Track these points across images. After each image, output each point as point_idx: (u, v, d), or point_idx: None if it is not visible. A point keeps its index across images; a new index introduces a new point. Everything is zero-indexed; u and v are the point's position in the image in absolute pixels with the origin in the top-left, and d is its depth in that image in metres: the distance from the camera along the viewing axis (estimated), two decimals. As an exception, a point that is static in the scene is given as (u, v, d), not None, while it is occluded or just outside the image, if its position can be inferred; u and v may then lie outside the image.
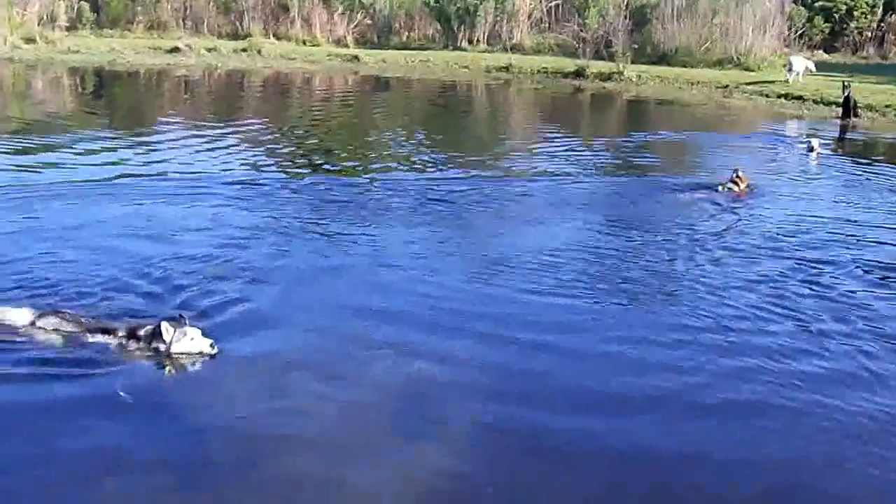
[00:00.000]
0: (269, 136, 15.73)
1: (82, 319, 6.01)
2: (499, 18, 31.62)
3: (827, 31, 33.13)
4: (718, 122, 19.67)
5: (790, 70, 24.15)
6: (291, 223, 9.37)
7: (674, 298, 7.38)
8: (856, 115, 19.51)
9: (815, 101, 21.66)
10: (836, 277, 8.03)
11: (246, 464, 4.72)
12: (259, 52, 28.85)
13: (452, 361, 5.99)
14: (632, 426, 5.25)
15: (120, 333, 5.82)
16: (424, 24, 33.17)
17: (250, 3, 31.75)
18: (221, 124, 16.55)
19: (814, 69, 24.16)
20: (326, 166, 12.95)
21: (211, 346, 5.72)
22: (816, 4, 33.30)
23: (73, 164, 12.19)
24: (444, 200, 10.71)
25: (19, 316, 6.02)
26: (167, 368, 5.63)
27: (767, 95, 22.86)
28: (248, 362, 5.81)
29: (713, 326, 6.71)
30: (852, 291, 7.68)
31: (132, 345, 5.76)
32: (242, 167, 12.52)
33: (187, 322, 5.81)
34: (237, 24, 32.10)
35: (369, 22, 32.88)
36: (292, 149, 14.47)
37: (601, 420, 5.30)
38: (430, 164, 13.22)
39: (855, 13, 33.13)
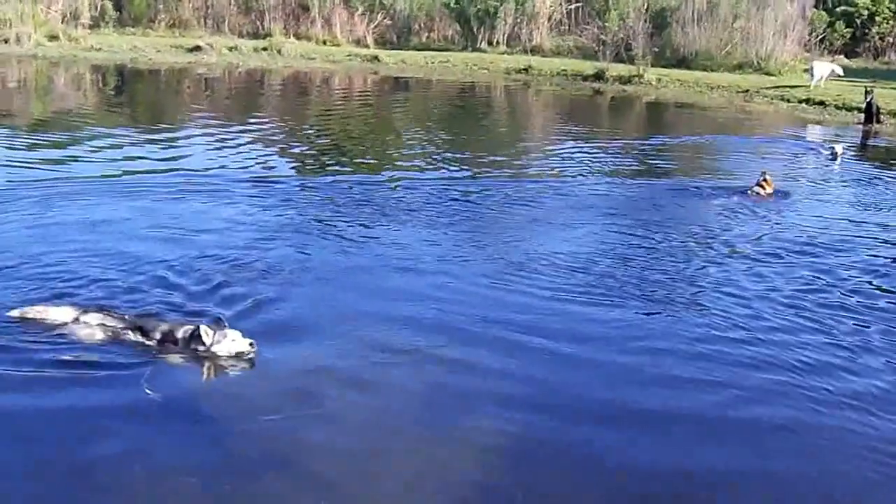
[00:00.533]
0: (289, 136, 15.88)
1: (126, 317, 6.05)
2: (519, 20, 31.58)
3: (848, 36, 32.95)
4: (740, 126, 19.59)
5: (812, 76, 24.02)
6: (312, 223, 9.46)
7: (700, 306, 7.31)
8: (878, 122, 19.41)
9: (836, 107, 21.55)
10: (866, 284, 8.04)
11: (272, 469, 4.74)
12: (279, 51, 28.91)
13: (475, 368, 6.00)
14: (655, 440, 5.21)
15: (159, 334, 5.84)
16: (444, 25, 33.20)
17: (271, 2, 31.83)
18: (242, 123, 16.67)
19: (841, 73, 23.97)
20: (346, 166, 13.04)
21: (251, 345, 5.73)
22: (838, 9, 33.15)
23: (94, 161, 12.36)
24: (464, 201, 10.80)
25: (61, 314, 6.06)
26: (204, 370, 5.66)
27: (789, 100, 22.75)
28: (272, 366, 5.84)
29: (743, 337, 6.64)
30: (884, 299, 7.67)
31: (171, 346, 5.77)
32: (263, 166, 12.65)
33: (226, 324, 5.83)
34: (258, 23, 32.20)
35: (389, 22, 32.90)
36: (311, 148, 14.59)
37: (626, 432, 5.27)
38: (450, 165, 13.28)
39: (877, 18, 32.97)
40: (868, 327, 6.94)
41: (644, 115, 22.31)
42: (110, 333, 5.89)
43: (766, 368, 6.12)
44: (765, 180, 11.56)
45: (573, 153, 15.04)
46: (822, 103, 21.99)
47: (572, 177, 12.88)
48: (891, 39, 32.83)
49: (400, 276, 7.77)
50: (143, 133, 15.11)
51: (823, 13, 32.52)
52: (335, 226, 9.37)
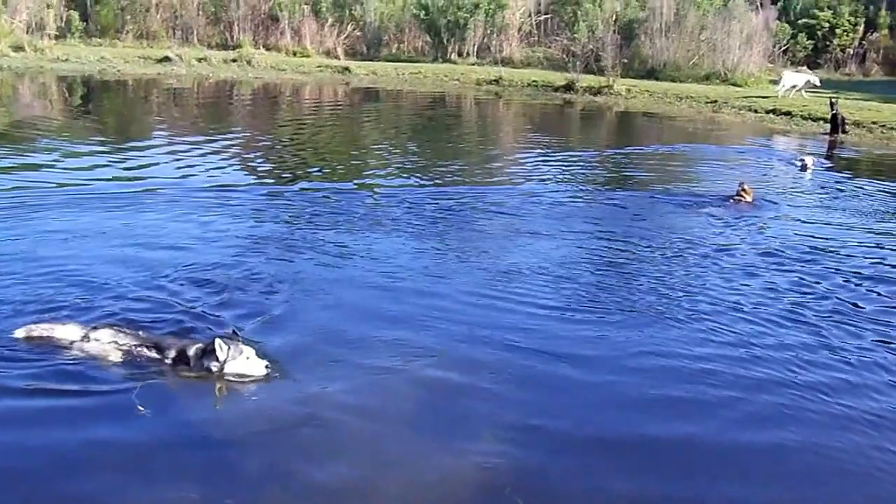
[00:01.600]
0: (262, 147, 15.73)
1: (140, 333, 5.80)
2: (489, 32, 31.83)
3: (810, 47, 33.59)
4: (709, 136, 19.84)
5: (783, 85, 24.58)
6: (288, 235, 9.34)
7: (695, 320, 7.22)
8: (843, 132, 19.77)
9: (802, 117, 21.93)
10: (859, 290, 8.17)
11: (277, 476, 4.74)
12: (249, 62, 28.88)
13: (469, 390, 5.80)
14: (658, 465, 5.09)
15: (172, 351, 5.57)
16: (414, 37, 33.37)
17: (240, 13, 31.79)
18: (212, 135, 16.54)
19: (818, 83, 24.44)
20: (318, 177, 12.98)
21: (266, 367, 5.46)
22: (800, 22, 33.77)
23: (59, 173, 12.05)
24: (443, 211, 10.73)
25: (69, 332, 5.81)
26: (216, 390, 5.45)
27: (756, 111, 23.12)
28: (265, 385, 5.62)
29: (743, 354, 6.57)
30: (877, 302, 7.83)
31: (182, 363, 5.51)
32: (234, 178, 12.50)
33: (241, 339, 5.58)
34: (227, 34, 32.15)
35: (359, 34, 33.01)
36: (284, 160, 14.47)
37: (627, 458, 5.14)
38: (425, 175, 13.25)
39: (837, 31, 33.64)
40: (866, 338, 6.97)
41: (615, 125, 22.53)
42: (123, 351, 5.65)
43: (770, 388, 6.00)
44: (743, 190, 11.77)
45: (548, 163, 15.16)
46: (788, 114, 22.37)
47: (549, 187, 12.89)
48: (851, 51, 33.49)
49: (385, 291, 7.57)
50: (112, 145, 14.92)
51: (786, 25, 33.13)
52: (313, 237, 9.26)
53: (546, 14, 32.93)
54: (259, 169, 13.46)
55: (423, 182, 12.78)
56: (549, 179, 13.57)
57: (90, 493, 4.53)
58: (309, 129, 18.89)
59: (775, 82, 27.27)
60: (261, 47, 31.35)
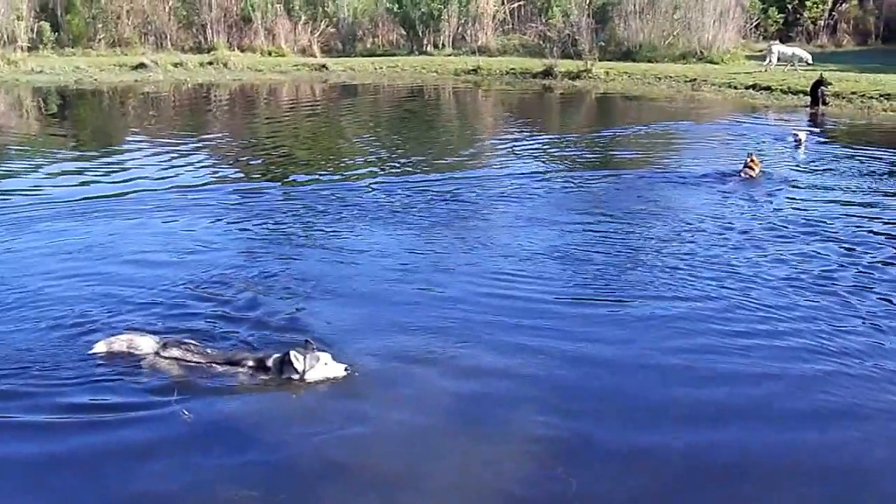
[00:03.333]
0: (245, 148, 15.75)
1: (208, 350, 5.84)
2: (463, 21, 31.84)
3: (781, 21, 33.79)
4: (692, 114, 19.95)
5: (769, 60, 25.06)
6: (286, 233, 9.46)
7: (722, 296, 7.27)
8: (825, 104, 20.00)
9: (782, 91, 22.13)
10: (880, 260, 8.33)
11: (328, 472, 4.83)
12: (226, 65, 28.77)
13: (504, 375, 5.90)
14: (715, 436, 5.17)
15: (248, 364, 5.65)
16: (388, 30, 33.32)
17: (213, 15, 31.60)
18: (194, 138, 16.52)
19: (809, 59, 24.66)
20: (306, 174, 13.03)
21: (346, 369, 5.58)
22: (770, -5, 33.98)
23: (43, 186, 12.04)
24: (440, 201, 10.86)
25: (145, 344, 5.88)
26: (293, 394, 5.52)
27: (735, 87, 23.31)
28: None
29: (776, 327, 6.62)
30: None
31: (261, 375, 5.59)
32: (220, 180, 12.57)
33: (315, 347, 5.64)
34: (200, 37, 31.96)
35: (333, 30, 32.91)
36: (268, 159, 14.51)
37: (658, 433, 5.21)
38: (417, 167, 13.34)
39: (807, 3, 33.83)
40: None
41: (598, 108, 22.59)
42: (192, 367, 5.72)
43: (810, 357, 6.10)
44: (752, 160, 11.90)
45: (537, 149, 15.28)
46: (768, 89, 22.57)
47: (543, 172, 12.95)
48: (822, 23, 33.73)
49: (400, 285, 7.64)
50: (95, 154, 14.87)
51: (757, 0, 33.30)
52: (312, 234, 9.37)
53: (519, 1, 32.95)
54: (244, 169, 13.49)
55: (415, 172, 12.89)
56: (541, 164, 13.67)
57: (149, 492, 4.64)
58: (291, 127, 18.97)
59: (751, 58, 27.54)
60: (235, 49, 31.20)
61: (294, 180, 12.49)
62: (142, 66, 28.05)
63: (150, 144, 15.79)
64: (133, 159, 14.23)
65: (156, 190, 11.62)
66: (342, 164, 13.93)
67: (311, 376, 5.52)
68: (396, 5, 32.17)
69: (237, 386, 5.57)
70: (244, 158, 14.49)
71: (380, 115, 21.60)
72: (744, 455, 4.97)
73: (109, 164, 13.86)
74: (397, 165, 13.51)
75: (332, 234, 9.39)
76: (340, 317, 6.85)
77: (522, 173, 12.83)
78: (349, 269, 8.14)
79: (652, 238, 9.14)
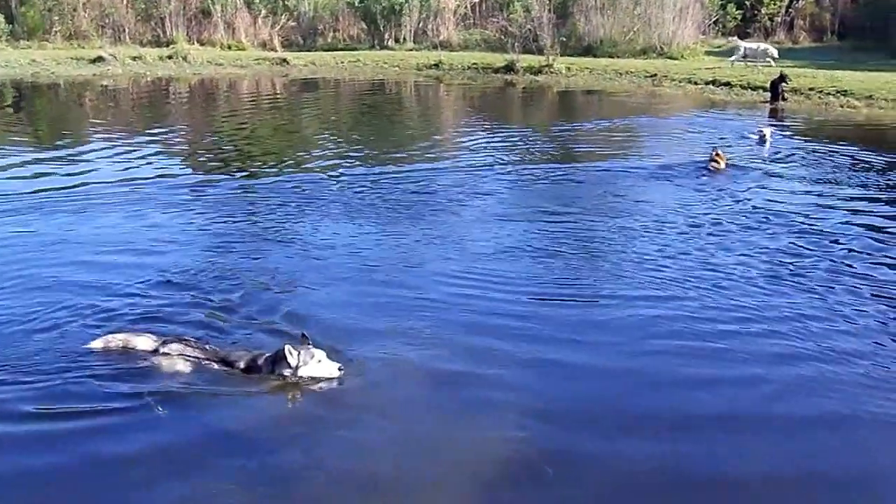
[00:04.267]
0: (205, 142, 15.67)
1: (206, 347, 5.82)
2: (424, 16, 31.80)
3: (740, 17, 34.15)
4: (653, 108, 20.14)
5: (735, 56, 25.43)
6: (249, 226, 9.46)
7: (695, 294, 7.26)
8: (783, 99, 20.26)
9: (742, 87, 22.37)
10: (852, 254, 8.47)
11: (310, 469, 4.84)
12: (185, 58, 28.48)
13: (478, 379, 5.81)
14: (686, 444, 5.10)
15: (242, 362, 5.62)
16: (349, 24, 33.17)
17: (171, 8, 31.24)
18: (153, 133, 16.35)
19: (776, 55, 24.95)
20: (267, 168, 12.98)
21: (339, 369, 5.52)
22: (729, -8, 34.32)
23: (7, 181, 11.85)
24: (404, 196, 10.85)
25: (143, 343, 5.86)
26: (289, 396, 5.49)
27: (696, 83, 23.52)
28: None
29: (752, 327, 6.61)
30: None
31: (254, 371, 5.55)
32: (181, 173, 12.51)
33: (310, 342, 5.59)
34: (159, 30, 31.59)
35: (293, 24, 32.70)
36: (229, 153, 14.39)
37: (633, 437, 5.15)
38: (378, 163, 13.30)
39: (765, 0, 34.25)
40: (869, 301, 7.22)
41: (560, 103, 22.71)
42: (193, 364, 5.69)
43: (788, 359, 6.08)
44: (717, 155, 12.08)
45: (499, 143, 15.32)
46: (728, 84, 22.79)
47: (506, 167, 12.98)
48: (779, 19, 34.14)
49: (367, 282, 7.58)
50: (53, 148, 14.68)
51: (715, -4, 33.64)
52: (275, 228, 9.35)
53: (480, -4, 33.03)
54: (205, 163, 13.37)
55: (377, 167, 12.86)
56: (505, 159, 13.68)
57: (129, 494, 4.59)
58: (252, 121, 18.81)
59: (710, 53, 27.83)
60: (195, 42, 30.90)
61: (255, 174, 12.44)
62: (100, 59, 27.66)
63: (108, 139, 15.58)
64: (91, 153, 14.05)
65: (114, 184, 11.51)
66: (304, 159, 13.86)
67: (303, 372, 5.47)
68: (358, 0, 32.06)
69: (221, 388, 5.50)
70: (205, 153, 14.39)
71: (341, 109, 21.55)
72: (718, 461, 4.94)
73: (66, 158, 13.66)
74: (359, 160, 13.47)
75: (296, 229, 9.36)
76: (307, 316, 6.79)
77: (487, 168, 12.86)
78: (315, 265, 8.11)
79: (621, 234, 9.19)
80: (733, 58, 25.49)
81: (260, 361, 5.56)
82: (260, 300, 7.09)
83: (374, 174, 12.21)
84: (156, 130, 16.57)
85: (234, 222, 9.64)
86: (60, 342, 6.11)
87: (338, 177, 12.06)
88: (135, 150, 14.15)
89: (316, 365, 5.48)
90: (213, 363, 5.67)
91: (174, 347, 5.77)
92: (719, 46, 30.87)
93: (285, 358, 5.45)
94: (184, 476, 4.71)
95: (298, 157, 14.07)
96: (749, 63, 25.08)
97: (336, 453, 4.98)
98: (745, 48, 25.47)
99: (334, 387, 5.54)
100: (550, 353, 6.18)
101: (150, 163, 13.17)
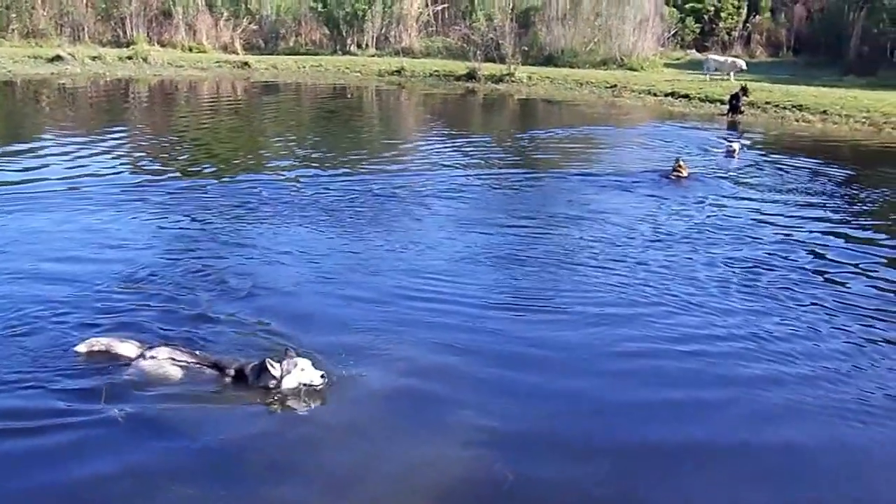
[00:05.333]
0: (163, 143, 15.49)
1: (196, 352, 5.82)
2: (387, 22, 31.83)
3: (698, 31, 34.67)
4: (615, 119, 20.39)
5: (707, 69, 25.93)
6: (204, 230, 9.44)
7: (665, 308, 7.29)
8: (740, 113, 20.59)
9: (700, 99, 22.69)
10: (815, 265, 8.67)
11: (275, 475, 4.87)
12: (145, 59, 28.24)
13: (430, 379, 5.88)
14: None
15: (231, 370, 5.63)
16: (311, 29, 33.08)
17: (132, 9, 30.96)
18: (110, 133, 16.18)
19: (744, 67, 25.42)
20: (222, 171, 12.95)
21: (322, 377, 5.49)
22: (687, 6, 34.78)
23: None
24: (363, 203, 10.86)
25: (127, 349, 5.86)
26: (274, 407, 5.46)
27: (655, 94, 23.81)
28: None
29: (721, 334, 6.69)
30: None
31: (242, 381, 5.57)
32: (136, 174, 12.44)
33: (295, 354, 5.59)
34: (119, 31, 31.29)
35: (255, 27, 32.56)
36: (186, 155, 14.35)
37: (597, 437, 5.23)
38: (338, 167, 13.33)
39: (722, 14, 34.79)
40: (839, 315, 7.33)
41: (521, 111, 22.85)
42: (181, 369, 5.68)
43: (750, 361, 6.19)
44: (679, 166, 12.26)
45: (459, 151, 15.39)
46: (686, 96, 23.11)
47: (466, 174, 13.00)
48: (736, 34, 34.69)
49: (330, 287, 7.61)
50: (5, 147, 14.45)
51: (675, 10, 34.08)
52: (229, 232, 9.34)
53: (443, 4, 33.10)
54: (162, 165, 13.30)
55: (338, 172, 12.87)
56: (466, 166, 13.75)
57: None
58: (212, 123, 18.75)
59: (669, 65, 28.22)
60: (155, 44, 30.65)
61: (213, 177, 12.39)
62: (58, 58, 27.33)
63: (64, 138, 15.46)
64: (45, 152, 13.93)
65: (67, 184, 11.43)
66: (263, 162, 13.87)
67: (286, 383, 5.49)
68: (320, 4, 32.02)
69: (183, 406, 5.43)
70: (162, 154, 14.29)
71: (302, 113, 21.54)
72: (681, 458, 5.05)
73: (20, 157, 13.49)
74: (319, 165, 13.45)
75: (253, 233, 9.34)
76: (270, 318, 6.79)
77: (447, 174, 12.92)
78: (271, 270, 8.08)
79: (583, 244, 9.24)
80: (705, 72, 25.93)
81: (247, 370, 5.60)
82: (216, 306, 7.04)
83: (334, 179, 12.24)
84: (113, 131, 16.40)
85: (190, 225, 9.61)
86: (19, 347, 6.08)
87: (297, 181, 12.06)
88: (90, 150, 14.03)
89: (299, 374, 5.48)
90: (204, 368, 5.68)
91: (162, 352, 5.75)
92: (678, 59, 31.35)
93: (268, 370, 5.48)
94: (131, 473, 4.74)
95: (257, 160, 14.05)
96: (714, 76, 25.49)
97: (291, 451, 5.03)
98: (714, 61, 25.93)
99: (293, 402, 5.51)
100: (510, 370, 6.12)
101: (106, 163, 13.05)
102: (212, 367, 5.68)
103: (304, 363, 5.51)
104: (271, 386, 5.49)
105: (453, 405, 5.59)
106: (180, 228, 9.46)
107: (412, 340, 6.49)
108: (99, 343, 5.95)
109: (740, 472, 4.97)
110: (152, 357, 5.72)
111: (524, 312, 7.17)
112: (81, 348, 5.92)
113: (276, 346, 5.96)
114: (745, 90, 20.58)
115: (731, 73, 25.39)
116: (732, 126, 19.55)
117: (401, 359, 6.14)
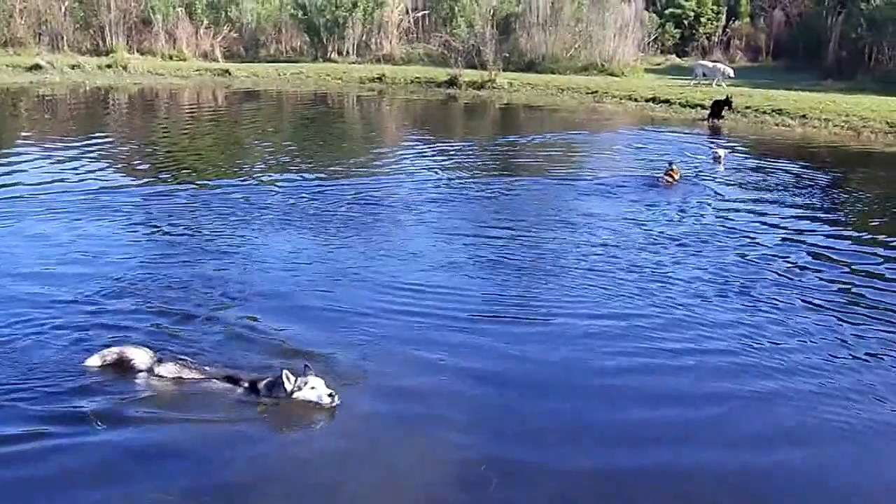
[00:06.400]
0: (144, 152, 15.50)
1: (206, 368, 5.82)
2: (368, 29, 31.83)
3: (678, 36, 34.90)
4: (597, 124, 20.46)
5: (697, 76, 26.03)
6: (184, 237, 9.42)
7: (655, 309, 7.31)
8: (721, 118, 20.66)
9: (681, 105, 22.78)
10: (800, 267, 8.71)
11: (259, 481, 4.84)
12: (125, 68, 28.14)
13: (412, 392, 5.82)
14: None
15: (245, 382, 5.65)
16: (292, 37, 33.05)
17: (111, 17, 30.79)
18: (91, 142, 16.04)
19: (732, 74, 25.55)
20: (206, 178, 12.91)
21: (330, 395, 5.45)
22: (667, 11, 35.01)
23: None
24: (343, 209, 10.81)
25: (140, 359, 5.85)
26: (263, 419, 5.42)
27: (636, 100, 23.87)
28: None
29: (686, 347, 6.61)
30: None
31: (254, 393, 5.58)
32: (118, 182, 12.37)
33: (312, 372, 5.58)
34: (98, 39, 31.12)
35: (236, 35, 32.48)
36: (167, 163, 14.29)
37: (578, 455, 5.14)
38: (320, 174, 13.29)
39: (702, 19, 35.07)
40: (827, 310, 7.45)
41: (502, 118, 22.84)
42: (192, 383, 5.70)
43: (741, 376, 6.13)
44: (672, 170, 12.30)
45: (442, 157, 15.44)
46: (667, 101, 23.19)
47: (449, 181, 13.01)
48: (715, 39, 34.95)
49: (311, 296, 7.55)
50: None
51: (654, 15, 34.29)
52: (214, 239, 9.31)
53: (424, 10, 33.13)
54: (142, 174, 13.21)
55: (319, 179, 12.82)
56: (446, 173, 13.73)
57: None
58: (192, 131, 18.70)
59: (650, 71, 28.35)
60: (135, 52, 30.51)
61: (194, 185, 12.31)
62: (37, 67, 27.20)
63: (43, 147, 15.33)
64: (24, 162, 13.79)
65: (47, 193, 11.32)
66: (243, 170, 13.73)
67: (297, 397, 5.48)
68: (301, 12, 31.98)
69: (170, 413, 5.41)
70: (142, 163, 14.27)
71: (283, 121, 21.48)
72: (667, 480, 4.94)
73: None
74: (300, 172, 13.41)
75: (234, 240, 9.29)
76: (246, 331, 6.74)
77: (429, 180, 12.95)
78: (253, 277, 8.03)
79: (569, 247, 9.24)
80: (694, 79, 26.10)
81: (260, 385, 5.61)
82: (196, 314, 7.00)
83: (315, 186, 12.20)
84: (93, 140, 16.25)
85: (171, 233, 9.56)
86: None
87: (277, 188, 12.02)
88: (70, 160, 13.92)
89: (309, 391, 5.47)
90: (215, 381, 5.69)
91: (170, 368, 5.77)
92: (658, 64, 31.50)
93: (283, 383, 5.48)
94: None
95: (238, 168, 13.96)
96: (703, 82, 25.65)
97: (277, 466, 4.99)
98: (702, 67, 26.10)
99: (285, 416, 5.48)
100: (494, 385, 6.03)
101: (86, 172, 12.93)
102: (223, 380, 5.70)
103: (314, 381, 5.50)
104: (281, 398, 5.49)
105: (436, 420, 5.52)
106: (159, 237, 9.41)
107: (395, 354, 6.41)
108: (111, 354, 5.93)
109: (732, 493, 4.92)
110: (164, 369, 5.76)
111: (510, 324, 7.08)
112: (94, 361, 5.89)
113: (280, 360, 5.92)
114: (728, 103, 20.56)
115: (716, 80, 25.46)
116: (714, 131, 19.62)
117: (383, 373, 6.07)
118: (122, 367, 5.83)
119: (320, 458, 5.12)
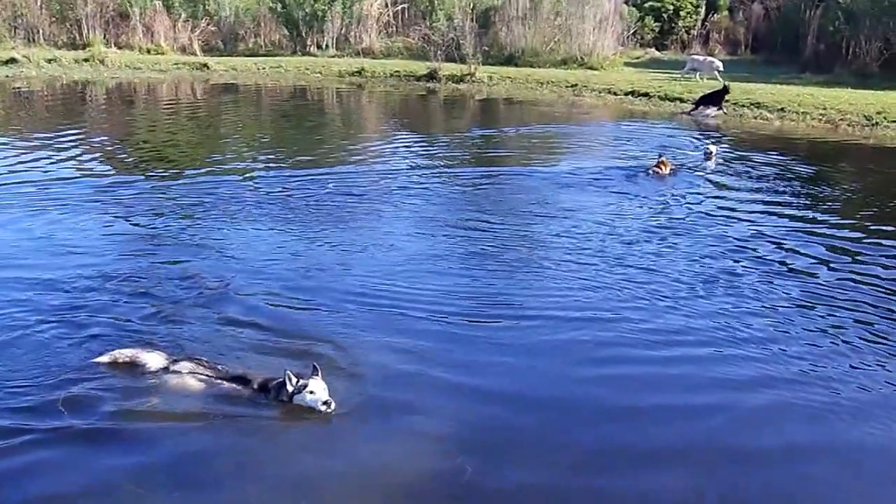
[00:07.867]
0: (123, 146, 15.41)
1: (218, 367, 5.79)
2: (347, 23, 31.70)
3: (657, 30, 34.95)
4: (577, 117, 20.54)
5: (689, 69, 26.09)
6: (162, 230, 9.41)
7: (648, 310, 7.24)
8: (695, 110, 20.74)
9: (660, 98, 22.85)
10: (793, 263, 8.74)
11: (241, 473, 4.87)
12: (102, 62, 27.85)
13: (388, 398, 5.73)
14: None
15: (255, 383, 5.63)
16: (271, 30, 32.85)
17: (88, 10, 30.50)
18: (68, 136, 15.87)
19: (720, 67, 25.54)
20: (177, 172, 12.84)
21: (325, 403, 5.38)
22: (646, 5, 35.05)
23: None
24: (321, 203, 10.81)
25: (153, 361, 5.82)
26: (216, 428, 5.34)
27: (615, 93, 23.92)
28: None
29: (672, 355, 6.50)
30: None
31: (263, 394, 5.57)
32: (94, 177, 12.30)
33: (319, 374, 5.52)
34: (75, 32, 30.81)
35: (214, 29, 32.26)
36: (145, 157, 14.26)
37: (558, 472, 5.01)
38: (299, 167, 13.29)
39: (681, 13, 35.12)
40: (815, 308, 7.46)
41: (482, 111, 22.80)
42: (204, 383, 5.67)
43: (731, 384, 6.04)
44: (663, 162, 12.35)
45: (421, 150, 15.47)
46: (646, 95, 23.26)
47: (430, 173, 13.01)
48: (695, 32, 35.04)
49: (286, 294, 7.44)
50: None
51: (634, 9, 34.33)
52: (192, 233, 9.31)
53: (403, 4, 33.02)
54: (120, 168, 13.19)
55: (298, 172, 12.81)
56: (425, 166, 13.73)
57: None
58: (171, 125, 18.58)
59: (629, 64, 28.41)
60: (112, 46, 30.21)
61: (172, 178, 12.28)
62: (12, 61, 26.89)
63: (19, 141, 15.27)
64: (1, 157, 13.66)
65: (22, 187, 11.29)
66: (222, 163, 13.66)
67: (297, 399, 5.45)
68: (279, 5, 31.78)
69: (146, 424, 5.32)
70: (120, 157, 14.22)
71: (262, 115, 21.37)
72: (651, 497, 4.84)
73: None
74: (279, 166, 13.43)
75: (212, 234, 9.29)
76: (230, 323, 6.75)
77: (408, 174, 12.92)
78: (231, 273, 7.97)
79: (554, 244, 9.20)
80: (685, 72, 26.18)
81: (270, 386, 5.60)
82: (172, 310, 6.98)
83: (294, 179, 12.18)
84: (70, 134, 16.10)
85: (148, 227, 9.54)
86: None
87: (256, 182, 12.00)
88: (47, 154, 13.82)
89: (308, 395, 5.43)
90: (226, 382, 5.67)
91: (185, 366, 5.77)
92: (637, 57, 31.54)
93: (284, 384, 5.48)
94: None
95: (216, 161, 13.87)
96: (690, 75, 25.70)
97: (268, 461, 4.99)
98: (694, 60, 26.19)
99: (257, 415, 5.46)
100: (475, 378, 6.02)
101: (63, 166, 12.87)
102: (234, 380, 5.68)
103: (315, 386, 5.45)
104: (284, 399, 5.49)
105: (416, 411, 5.53)
106: (137, 230, 9.39)
107: (375, 345, 6.40)
108: (123, 355, 5.91)
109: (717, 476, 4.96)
110: (177, 370, 5.74)
111: (490, 316, 7.06)
112: (105, 359, 5.89)
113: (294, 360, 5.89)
114: (727, 91, 20.57)
115: (706, 73, 25.50)
116: (696, 125, 19.67)
117: (363, 364, 6.07)
118: (133, 369, 5.81)
119: (294, 447, 5.18)
